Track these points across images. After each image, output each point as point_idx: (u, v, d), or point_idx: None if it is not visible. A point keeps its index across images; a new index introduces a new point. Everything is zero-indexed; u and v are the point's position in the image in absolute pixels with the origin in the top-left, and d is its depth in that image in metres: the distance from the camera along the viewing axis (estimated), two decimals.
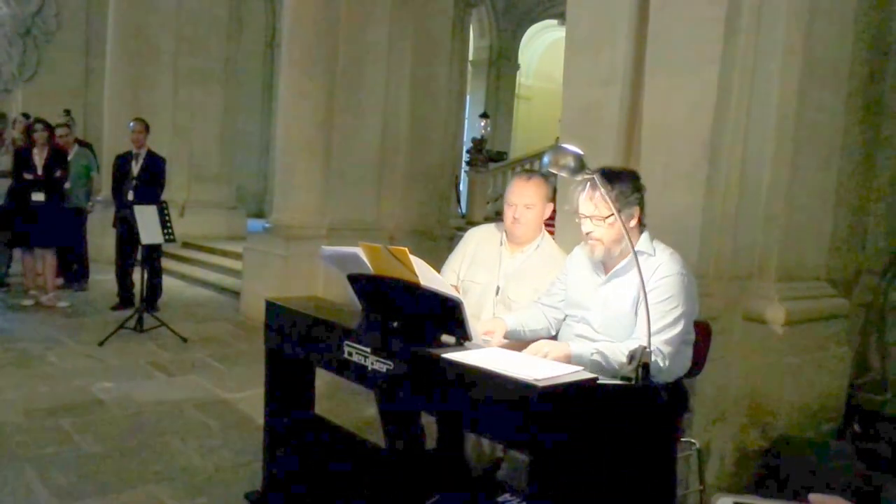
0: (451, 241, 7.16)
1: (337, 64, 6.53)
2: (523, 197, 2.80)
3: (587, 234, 2.38)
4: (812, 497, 0.76)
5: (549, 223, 3.16)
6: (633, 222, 2.35)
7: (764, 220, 3.44)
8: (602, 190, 2.22)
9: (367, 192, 6.90)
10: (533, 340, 2.59)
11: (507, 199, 2.86)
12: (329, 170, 6.64)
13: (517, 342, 2.61)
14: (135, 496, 2.95)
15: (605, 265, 2.46)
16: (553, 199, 2.91)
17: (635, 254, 2.11)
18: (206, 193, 10.68)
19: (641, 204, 2.37)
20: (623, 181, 2.32)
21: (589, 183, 2.32)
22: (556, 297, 2.62)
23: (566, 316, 2.58)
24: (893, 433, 3.80)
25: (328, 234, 6.46)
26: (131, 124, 6.65)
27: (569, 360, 2.19)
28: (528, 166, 11.52)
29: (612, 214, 2.27)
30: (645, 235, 2.41)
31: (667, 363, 2.25)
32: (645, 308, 2.01)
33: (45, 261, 6.56)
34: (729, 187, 3.31)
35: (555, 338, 2.61)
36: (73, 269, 7.53)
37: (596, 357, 2.23)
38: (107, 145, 9.59)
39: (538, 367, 1.86)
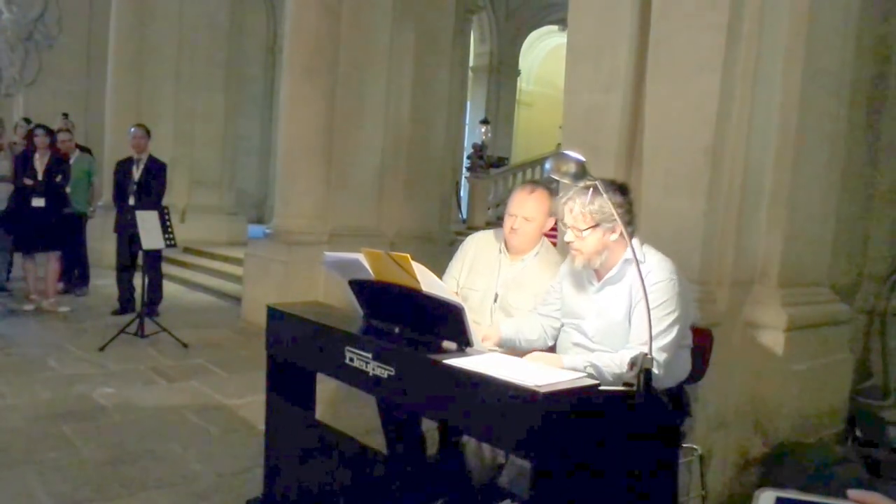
0: (452, 246, 7.15)
1: (338, 69, 6.55)
2: (524, 209, 2.77)
3: (568, 243, 2.40)
4: (851, 493, 0.76)
5: (552, 235, 3.15)
6: (615, 236, 2.34)
7: (766, 226, 3.43)
8: (578, 203, 2.28)
9: (368, 198, 6.90)
10: (527, 350, 2.58)
11: (508, 209, 2.84)
12: (330, 175, 6.65)
13: (512, 350, 2.60)
14: (136, 502, 2.94)
15: (597, 273, 2.46)
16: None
17: (637, 261, 2.11)
18: (207, 198, 10.70)
19: (628, 218, 2.35)
20: (609, 194, 2.26)
21: (571, 194, 2.33)
22: (552, 307, 2.61)
23: (563, 324, 2.58)
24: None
25: (329, 239, 6.46)
26: (132, 130, 6.66)
27: None
28: (536, 176, 11.50)
29: (589, 228, 2.30)
30: (635, 242, 2.40)
31: (662, 370, 2.25)
32: (647, 314, 2.01)
33: (48, 266, 6.56)
34: (731, 193, 3.30)
35: (553, 347, 2.61)
36: (75, 275, 7.54)
37: (589, 370, 2.23)
38: (108, 150, 9.61)
39: (540, 373, 1.86)
